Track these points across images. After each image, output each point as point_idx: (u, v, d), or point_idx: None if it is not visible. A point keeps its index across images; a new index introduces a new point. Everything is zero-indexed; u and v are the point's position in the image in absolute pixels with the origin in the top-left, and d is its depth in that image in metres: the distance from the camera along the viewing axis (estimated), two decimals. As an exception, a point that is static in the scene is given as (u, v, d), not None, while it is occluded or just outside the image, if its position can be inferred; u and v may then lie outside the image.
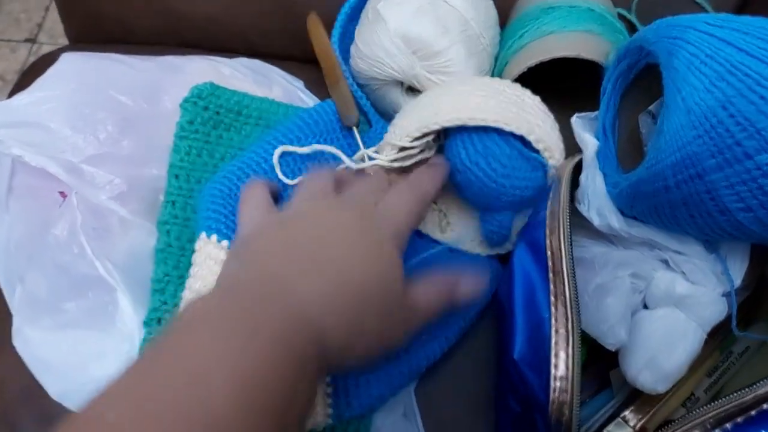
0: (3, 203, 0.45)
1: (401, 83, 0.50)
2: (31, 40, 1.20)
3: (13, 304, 0.43)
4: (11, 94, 0.56)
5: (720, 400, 0.34)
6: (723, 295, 0.39)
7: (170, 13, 0.61)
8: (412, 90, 0.50)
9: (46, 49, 1.16)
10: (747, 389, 0.34)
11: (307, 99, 0.54)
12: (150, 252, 0.42)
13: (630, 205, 0.38)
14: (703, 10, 0.55)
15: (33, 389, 0.41)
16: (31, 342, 0.42)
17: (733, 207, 0.32)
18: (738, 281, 0.39)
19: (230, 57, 0.55)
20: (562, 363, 0.35)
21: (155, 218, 0.43)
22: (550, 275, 0.38)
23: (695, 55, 0.32)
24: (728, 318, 0.39)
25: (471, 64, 0.48)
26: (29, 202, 0.45)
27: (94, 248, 0.42)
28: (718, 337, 0.42)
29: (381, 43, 0.48)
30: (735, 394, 0.34)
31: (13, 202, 0.45)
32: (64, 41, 0.70)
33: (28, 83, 0.46)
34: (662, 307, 0.39)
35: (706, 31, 0.33)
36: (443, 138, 0.45)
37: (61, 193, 0.44)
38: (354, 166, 0.44)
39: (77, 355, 0.41)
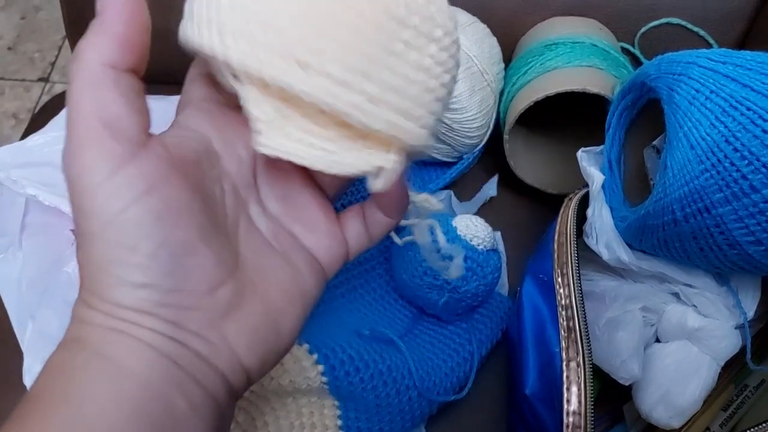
0: (16, 241, 0.45)
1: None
2: (45, 79, 1.22)
3: (25, 341, 0.43)
4: (25, 132, 0.57)
5: (737, 436, 0.34)
6: (736, 328, 0.38)
7: (183, 53, 0.63)
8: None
9: (59, 87, 1.18)
10: (764, 424, 0.33)
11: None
12: (160, 289, 0.42)
13: (638, 238, 0.38)
14: (705, 43, 0.56)
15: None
16: (42, 380, 0.42)
17: (742, 240, 0.32)
18: (750, 313, 0.38)
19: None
20: (574, 397, 0.34)
21: (166, 255, 0.43)
22: (560, 309, 0.38)
23: (699, 91, 0.32)
24: (742, 351, 0.38)
25: (474, 100, 0.49)
26: (42, 240, 0.45)
27: (105, 285, 0.42)
28: (732, 370, 0.42)
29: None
30: (752, 430, 0.33)
31: (26, 240, 0.45)
32: (77, 81, 0.71)
33: (42, 123, 0.47)
34: (675, 340, 0.39)
35: (709, 67, 0.33)
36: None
37: (73, 231, 0.44)
38: None
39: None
